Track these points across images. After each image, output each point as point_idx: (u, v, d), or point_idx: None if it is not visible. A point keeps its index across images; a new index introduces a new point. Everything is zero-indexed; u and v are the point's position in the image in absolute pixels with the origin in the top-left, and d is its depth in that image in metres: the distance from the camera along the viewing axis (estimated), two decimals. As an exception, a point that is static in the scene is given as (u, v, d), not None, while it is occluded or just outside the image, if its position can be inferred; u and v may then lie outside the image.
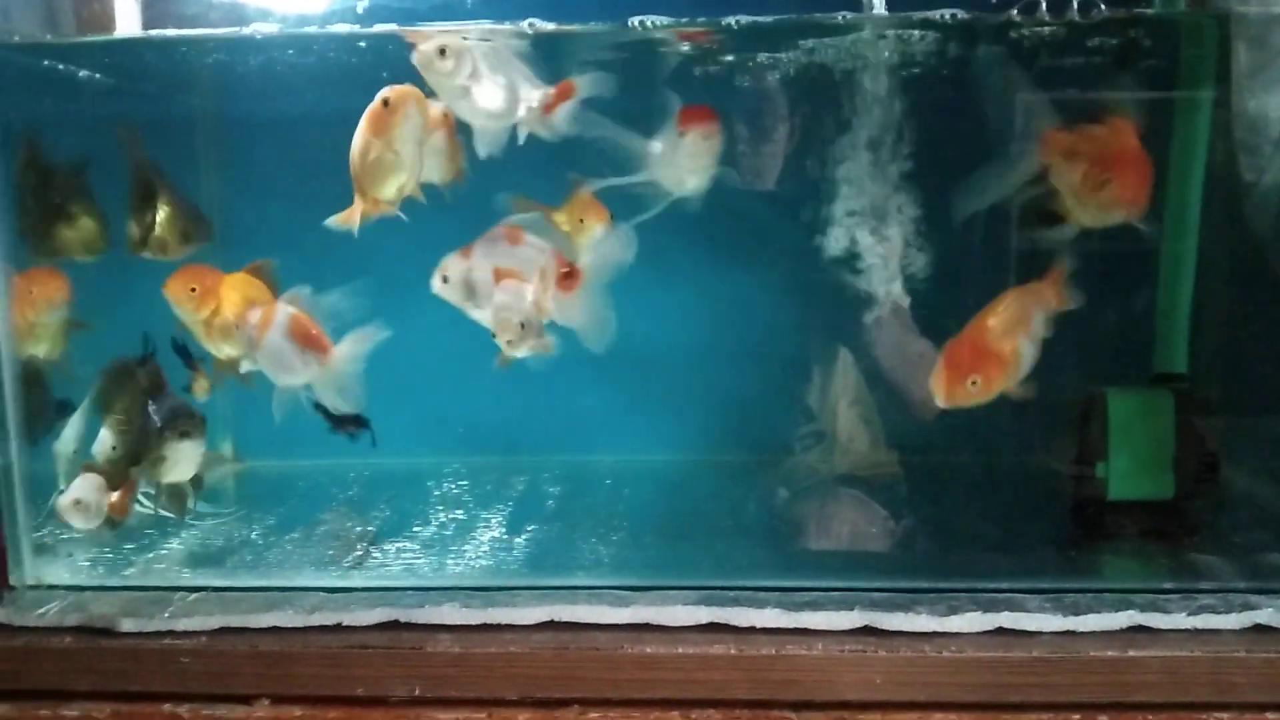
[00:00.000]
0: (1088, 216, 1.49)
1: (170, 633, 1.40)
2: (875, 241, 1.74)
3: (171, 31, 1.62)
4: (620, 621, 1.38)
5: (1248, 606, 1.36)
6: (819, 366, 1.88)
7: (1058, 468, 1.72)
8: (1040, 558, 1.62)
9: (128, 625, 1.41)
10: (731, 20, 1.53)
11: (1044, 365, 1.57)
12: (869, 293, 1.76)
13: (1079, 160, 1.45)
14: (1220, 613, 1.35)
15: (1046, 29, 1.57)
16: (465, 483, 2.03)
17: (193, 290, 1.60)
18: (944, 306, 1.71)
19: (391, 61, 1.55)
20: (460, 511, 1.87)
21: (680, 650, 1.33)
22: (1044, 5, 1.54)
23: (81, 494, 1.57)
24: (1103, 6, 1.45)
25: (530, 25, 1.53)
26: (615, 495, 1.94)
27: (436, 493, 1.98)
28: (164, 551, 1.67)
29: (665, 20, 1.53)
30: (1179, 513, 1.66)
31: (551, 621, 1.39)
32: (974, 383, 1.37)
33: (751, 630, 1.36)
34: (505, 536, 1.71)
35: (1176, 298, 1.77)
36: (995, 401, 1.95)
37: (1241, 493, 1.79)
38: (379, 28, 1.55)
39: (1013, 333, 1.39)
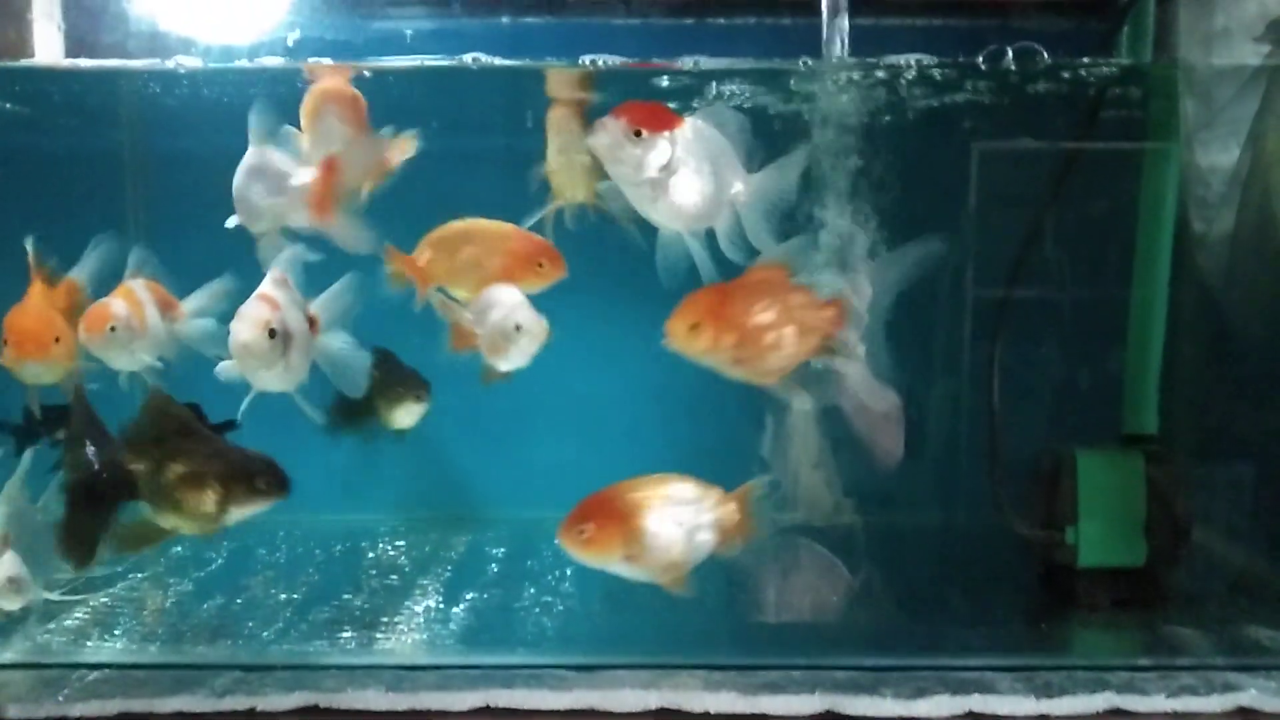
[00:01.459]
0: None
1: (64, 719, 1.27)
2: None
3: (85, 62, 1.51)
4: (562, 708, 1.28)
5: (1230, 687, 1.30)
6: (773, 416, 1.80)
7: (1025, 532, 1.64)
8: (1010, 631, 1.54)
9: (13, 711, 1.28)
10: (689, 61, 1.46)
11: (1008, 424, 1.50)
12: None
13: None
14: (1201, 694, 1.29)
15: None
16: (402, 543, 1.91)
17: (57, 340, 1.48)
18: (906, 355, 1.63)
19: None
20: (395, 576, 1.75)
21: (627, 740, 1.23)
22: (1010, 54, 1.50)
23: (13, 570, 1.44)
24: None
25: (475, 60, 1.45)
26: (562, 558, 1.82)
27: (371, 554, 1.86)
28: (66, 623, 1.53)
29: (618, 59, 1.46)
30: (1152, 580, 1.60)
31: (487, 708, 1.28)
32: (582, 532, 1.32)
33: (705, 716, 1.26)
34: (440, 606, 1.59)
35: (1145, 356, 1.71)
36: (957, 459, 1.90)
37: (1215, 557, 1.73)
38: (312, 62, 1.46)
39: (654, 511, 1.31)
